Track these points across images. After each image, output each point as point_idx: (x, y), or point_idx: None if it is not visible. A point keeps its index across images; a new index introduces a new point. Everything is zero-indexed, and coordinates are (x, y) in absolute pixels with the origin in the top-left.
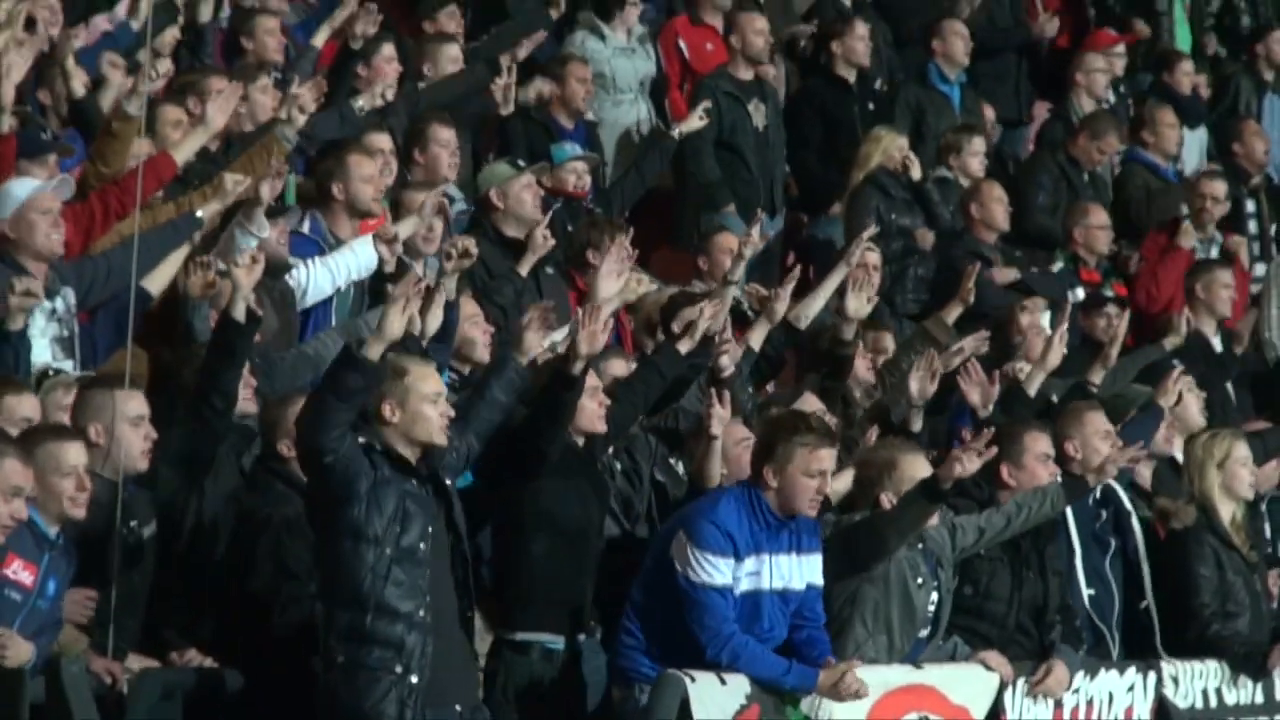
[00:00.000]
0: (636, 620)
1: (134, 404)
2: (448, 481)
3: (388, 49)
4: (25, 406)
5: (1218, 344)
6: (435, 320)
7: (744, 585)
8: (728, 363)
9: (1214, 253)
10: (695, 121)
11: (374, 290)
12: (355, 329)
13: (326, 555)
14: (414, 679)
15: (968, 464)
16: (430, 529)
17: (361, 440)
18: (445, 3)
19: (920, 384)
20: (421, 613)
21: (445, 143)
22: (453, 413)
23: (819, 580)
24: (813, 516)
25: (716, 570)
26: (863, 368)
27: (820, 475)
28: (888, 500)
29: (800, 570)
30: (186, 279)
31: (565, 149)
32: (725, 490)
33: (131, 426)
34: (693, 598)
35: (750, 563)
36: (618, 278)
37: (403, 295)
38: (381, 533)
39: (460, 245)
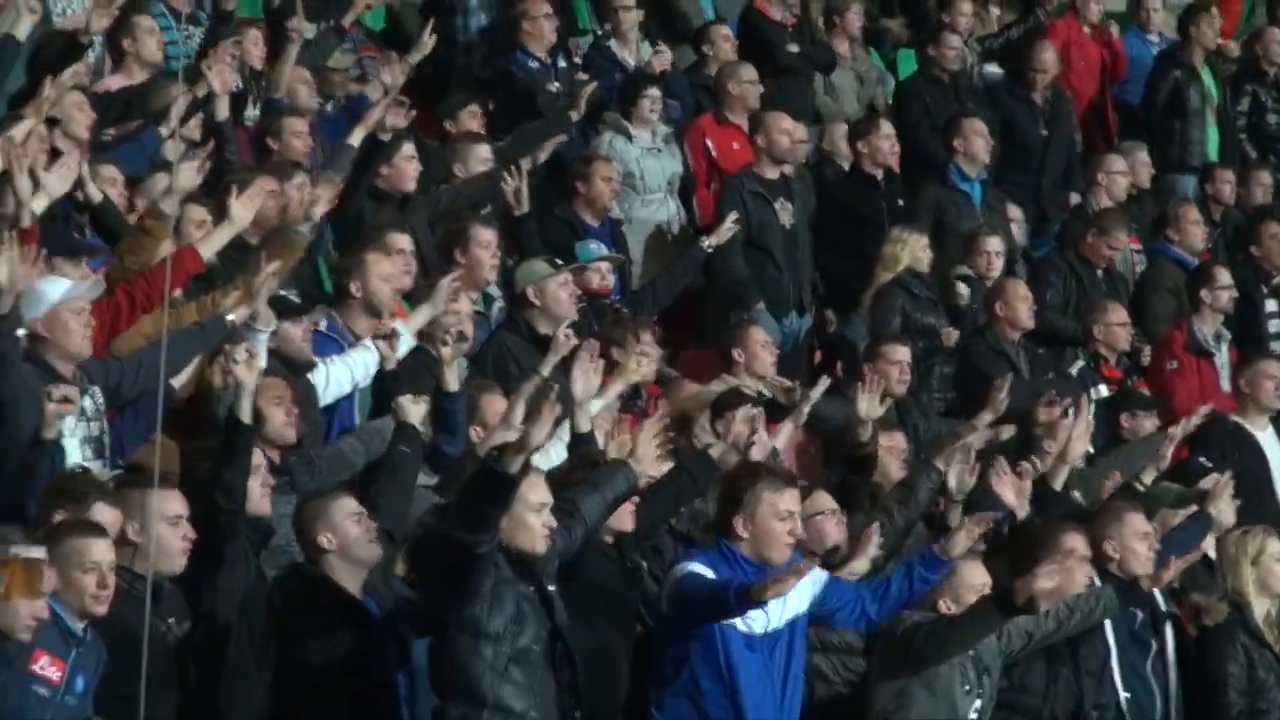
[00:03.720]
0: (664, 709)
1: (172, 503)
2: (550, 588)
3: (408, 148)
4: (105, 515)
5: (1264, 439)
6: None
7: (756, 628)
8: (757, 456)
9: (1224, 349)
10: (725, 234)
11: (380, 391)
12: (375, 431)
13: (443, 651)
14: None
15: (1046, 581)
16: (540, 634)
17: None
18: (466, 103)
19: (959, 478)
20: (534, 712)
21: (486, 243)
22: (555, 523)
23: (824, 575)
24: (782, 564)
25: (706, 571)
26: (894, 465)
27: (790, 517)
28: (945, 605)
29: (793, 601)
30: (209, 371)
31: (590, 248)
32: (694, 550)
33: (170, 526)
34: (691, 588)
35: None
36: (593, 375)
37: (550, 409)
38: (501, 631)
39: (455, 330)
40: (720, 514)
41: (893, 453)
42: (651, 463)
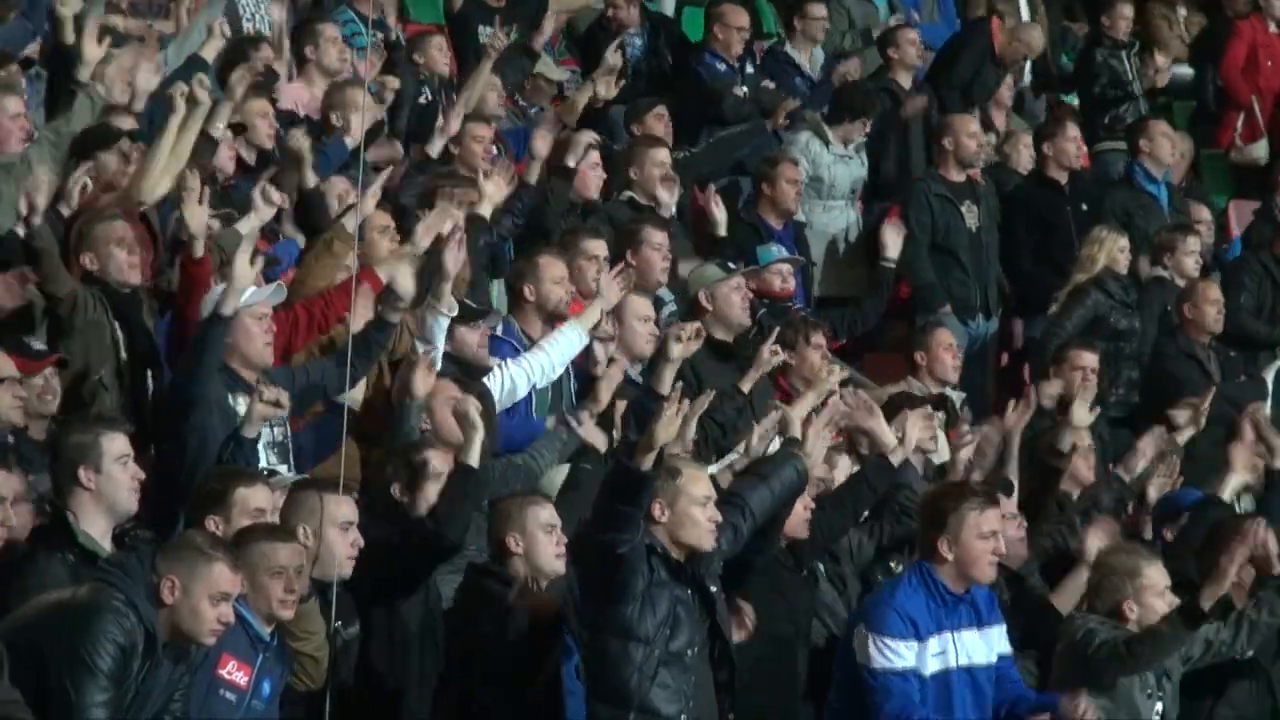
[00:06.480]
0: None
1: (344, 509)
2: (713, 589)
3: (593, 155)
4: (259, 498)
5: None
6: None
7: (933, 666)
8: (965, 457)
9: None
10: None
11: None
12: (556, 439)
13: (593, 652)
14: None
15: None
16: (697, 637)
17: (645, 541)
18: (652, 105)
19: (1159, 490)
20: (683, 717)
21: (658, 245)
22: (720, 517)
23: (1008, 648)
24: (988, 583)
25: (898, 655)
26: (1084, 468)
27: (993, 536)
28: (1130, 609)
29: (986, 644)
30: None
31: (771, 250)
32: (901, 575)
33: (340, 531)
34: (875, 686)
35: (934, 643)
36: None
37: (672, 405)
38: (652, 634)
39: (690, 329)
40: (924, 536)
41: (1084, 457)
42: (820, 458)
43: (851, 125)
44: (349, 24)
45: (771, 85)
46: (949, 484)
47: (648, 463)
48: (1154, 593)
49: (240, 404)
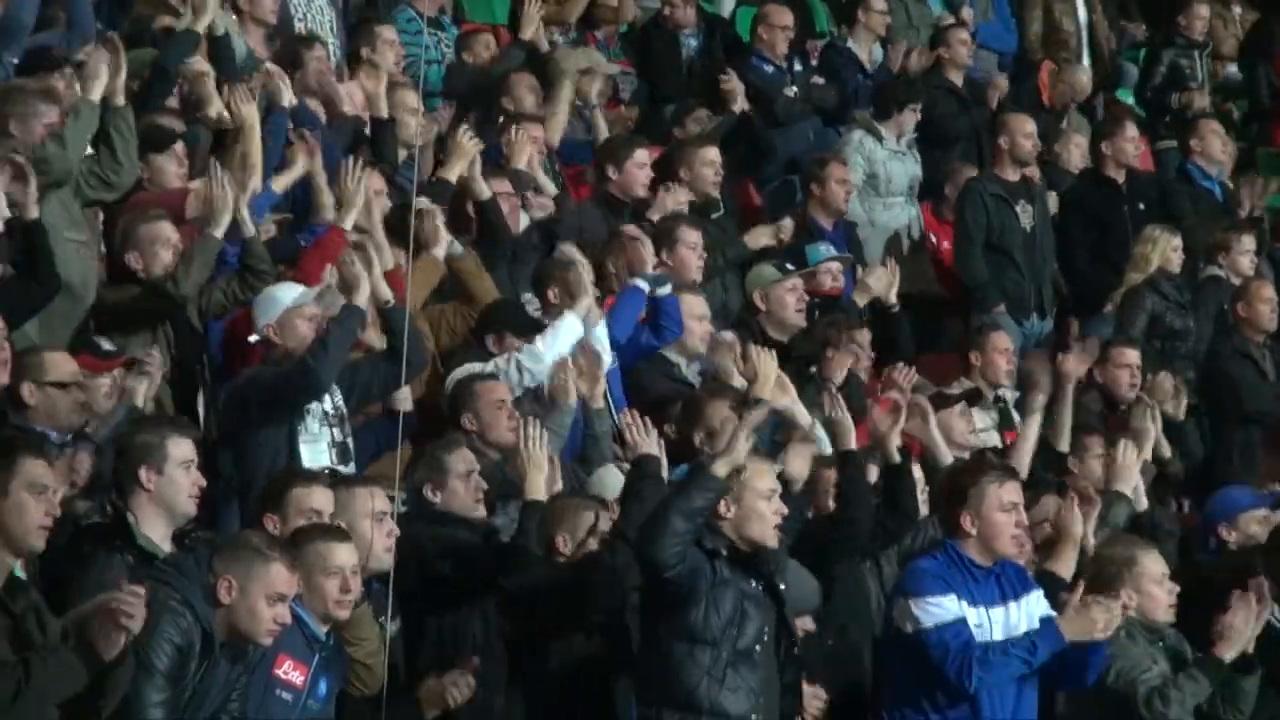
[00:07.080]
0: (896, 709)
1: (377, 500)
2: (782, 586)
3: (640, 154)
4: (316, 498)
5: None
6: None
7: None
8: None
9: None
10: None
11: None
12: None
13: (655, 656)
14: None
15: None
16: (765, 630)
17: (708, 546)
18: (693, 109)
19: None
20: (754, 716)
21: (693, 244)
22: (786, 510)
23: (1049, 610)
24: (1015, 557)
25: (943, 609)
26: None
27: (1014, 508)
28: (1127, 596)
29: (1022, 614)
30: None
31: (820, 250)
32: (924, 554)
33: (375, 523)
34: (932, 642)
35: (971, 615)
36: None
37: (749, 422)
38: (719, 635)
39: None
40: (946, 512)
41: None
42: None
43: (901, 116)
44: (410, 22)
45: (822, 81)
46: (968, 460)
47: (724, 471)
48: (1152, 580)
49: None
